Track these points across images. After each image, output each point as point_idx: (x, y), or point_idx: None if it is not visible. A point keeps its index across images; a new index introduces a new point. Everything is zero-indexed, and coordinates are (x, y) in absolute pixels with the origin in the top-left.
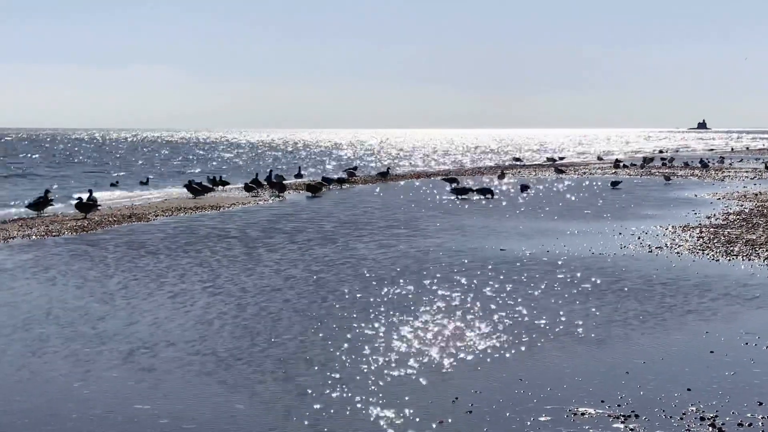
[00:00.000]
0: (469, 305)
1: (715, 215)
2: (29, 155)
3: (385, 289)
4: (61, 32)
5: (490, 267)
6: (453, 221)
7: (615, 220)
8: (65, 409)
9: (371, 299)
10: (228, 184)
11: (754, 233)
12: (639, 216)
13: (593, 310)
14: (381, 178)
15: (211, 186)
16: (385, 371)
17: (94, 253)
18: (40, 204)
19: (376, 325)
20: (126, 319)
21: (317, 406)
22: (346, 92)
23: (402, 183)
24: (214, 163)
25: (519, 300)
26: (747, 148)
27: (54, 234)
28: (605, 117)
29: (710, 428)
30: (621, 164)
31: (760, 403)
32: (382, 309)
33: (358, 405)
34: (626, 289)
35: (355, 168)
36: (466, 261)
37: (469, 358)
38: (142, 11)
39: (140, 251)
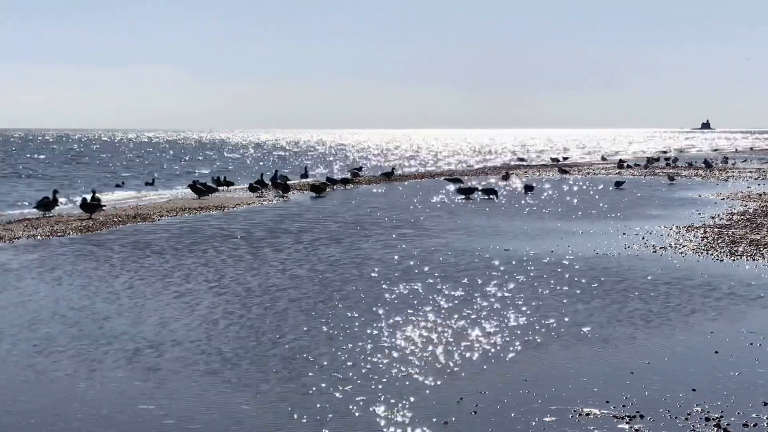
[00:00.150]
0: (473, 305)
1: (719, 215)
2: (35, 156)
3: (391, 289)
4: (62, 32)
5: (495, 267)
6: (458, 221)
7: (619, 220)
8: (70, 408)
9: (376, 299)
10: (232, 184)
11: (758, 233)
12: (643, 216)
13: (598, 310)
14: (385, 178)
15: (215, 186)
16: (390, 371)
17: (100, 253)
18: (48, 204)
19: (381, 324)
20: (131, 319)
21: (322, 406)
22: (346, 92)
23: (406, 183)
24: (218, 164)
25: (523, 300)
26: (751, 149)
27: (59, 234)
28: (609, 117)
29: (715, 428)
30: (625, 164)
31: (766, 404)
32: (387, 308)
33: (363, 405)
34: (630, 289)
35: (360, 168)
36: (471, 261)
37: (474, 358)
38: (142, 11)
39: (145, 251)
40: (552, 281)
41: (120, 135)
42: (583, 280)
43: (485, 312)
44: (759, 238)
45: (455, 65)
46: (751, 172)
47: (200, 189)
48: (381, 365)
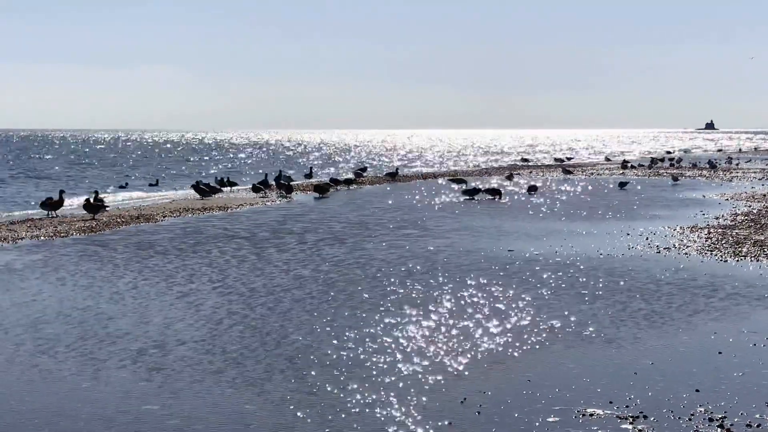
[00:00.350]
0: (477, 306)
1: (723, 216)
2: (41, 156)
3: (395, 289)
4: (64, 33)
5: (498, 267)
6: (462, 222)
7: (623, 220)
8: (75, 408)
9: (380, 299)
10: (236, 184)
11: (762, 234)
12: (647, 216)
13: (601, 310)
14: (389, 178)
15: (218, 187)
16: (394, 371)
17: (103, 254)
18: (54, 204)
19: (385, 325)
20: (136, 319)
21: (326, 406)
22: (348, 92)
23: (410, 183)
24: (222, 165)
25: (527, 300)
26: (755, 149)
27: (62, 235)
28: (613, 118)
29: (719, 429)
30: (629, 165)
31: None
32: (391, 309)
33: (367, 405)
34: (634, 289)
35: (364, 169)
36: (475, 261)
37: (478, 358)
38: (143, 11)
39: (149, 251)
40: (555, 282)
41: (124, 135)
42: (587, 281)
43: (489, 312)
44: (763, 238)
45: (457, 65)
46: (755, 172)
47: (203, 190)
48: (385, 365)
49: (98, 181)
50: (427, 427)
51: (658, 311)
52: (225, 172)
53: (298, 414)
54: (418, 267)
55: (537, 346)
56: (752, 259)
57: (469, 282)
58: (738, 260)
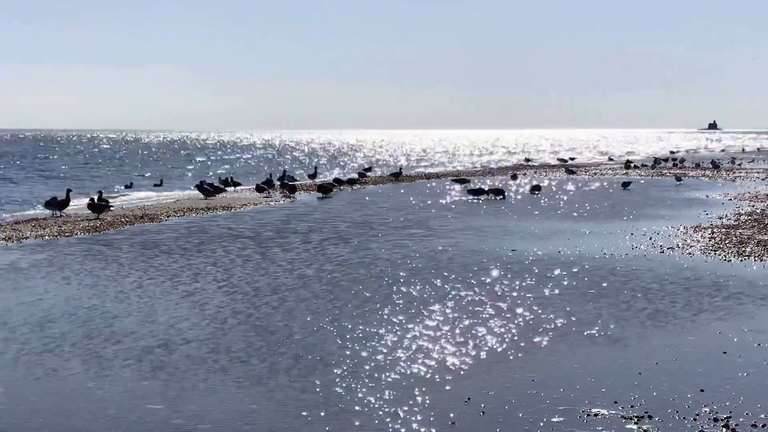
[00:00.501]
0: (481, 305)
1: (726, 216)
2: (47, 156)
3: (399, 289)
4: (67, 32)
5: (502, 267)
6: (466, 221)
7: (626, 220)
8: (79, 407)
9: (385, 298)
10: (239, 184)
11: (765, 233)
12: (650, 216)
13: (605, 310)
14: (393, 178)
15: (222, 187)
16: (398, 370)
17: (108, 253)
18: (60, 204)
19: (390, 324)
20: (141, 318)
21: (330, 404)
22: (352, 93)
23: (414, 184)
24: (226, 165)
25: (531, 300)
26: (758, 149)
27: (66, 234)
28: (615, 118)
29: (724, 429)
30: (632, 165)
31: None
32: (396, 308)
33: (371, 404)
34: (638, 289)
35: (369, 168)
36: (479, 261)
37: (482, 358)
38: (144, 11)
39: (154, 251)
40: (559, 281)
41: (131, 135)
42: (591, 281)
43: (493, 312)
44: (767, 238)
45: (457, 65)
46: (758, 172)
47: (207, 189)
48: (389, 364)
49: (103, 181)
50: (432, 426)
51: (662, 311)
52: (226, 172)
53: (303, 413)
54: (423, 266)
55: (541, 346)
56: (756, 258)
57: (473, 281)
58: (742, 260)
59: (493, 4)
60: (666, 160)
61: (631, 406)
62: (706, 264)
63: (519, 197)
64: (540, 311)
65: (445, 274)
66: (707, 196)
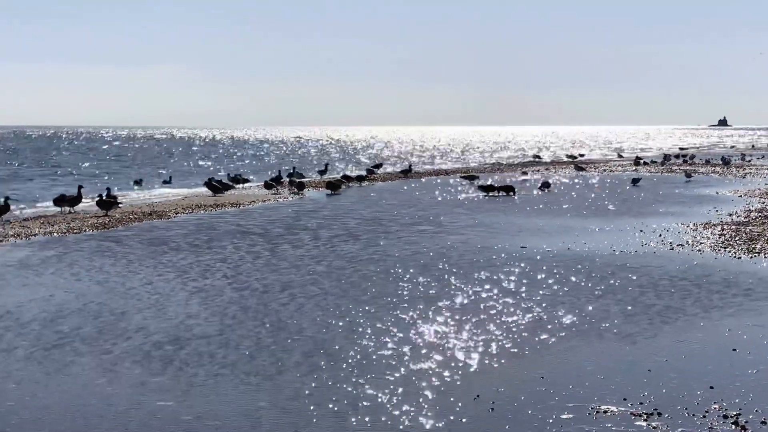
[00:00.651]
0: (491, 302)
1: (736, 212)
2: (57, 153)
3: (409, 285)
4: (67, 32)
5: (512, 264)
6: (475, 218)
7: (636, 217)
8: (89, 403)
9: (395, 295)
10: (248, 181)
11: None
12: (660, 213)
13: (615, 307)
14: (402, 175)
15: (231, 184)
16: (408, 367)
17: (117, 250)
18: (72, 200)
19: (399, 320)
20: (150, 314)
21: (340, 401)
22: (357, 90)
23: (423, 180)
24: (236, 162)
25: (540, 297)
26: None
27: (75, 231)
28: (625, 115)
29: (733, 426)
30: (641, 161)
31: None
32: (406, 305)
33: (381, 401)
34: (648, 286)
35: (379, 165)
36: (489, 258)
37: (491, 354)
38: (145, 12)
39: (163, 248)
40: (569, 278)
41: (141, 132)
42: (600, 277)
43: (502, 308)
44: None
45: (458, 65)
46: None
47: (216, 186)
48: (398, 361)
49: (112, 178)
50: (440, 423)
51: (671, 307)
52: (235, 169)
53: (312, 409)
54: (433, 263)
55: (550, 343)
56: (766, 255)
57: (483, 278)
58: (752, 257)
59: (493, 4)
60: (676, 156)
61: (641, 403)
62: (716, 261)
63: (528, 194)
64: (549, 308)
65: (455, 270)
66: (717, 193)
